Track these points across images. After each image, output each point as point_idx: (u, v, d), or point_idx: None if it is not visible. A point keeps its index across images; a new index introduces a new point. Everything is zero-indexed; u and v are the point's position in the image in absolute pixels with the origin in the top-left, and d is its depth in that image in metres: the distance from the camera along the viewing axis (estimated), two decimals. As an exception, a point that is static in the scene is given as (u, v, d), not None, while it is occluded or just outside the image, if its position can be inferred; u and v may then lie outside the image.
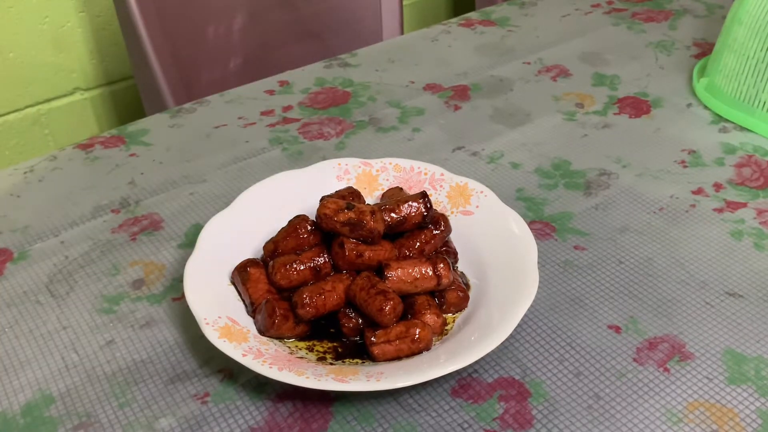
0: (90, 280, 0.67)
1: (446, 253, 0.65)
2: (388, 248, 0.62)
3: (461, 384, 0.57)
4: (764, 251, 0.69)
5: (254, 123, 0.89)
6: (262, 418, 0.55)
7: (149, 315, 0.63)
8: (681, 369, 0.58)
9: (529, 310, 0.58)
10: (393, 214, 0.63)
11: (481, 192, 0.69)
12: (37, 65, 1.29)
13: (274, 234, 0.63)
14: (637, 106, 0.91)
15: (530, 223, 0.71)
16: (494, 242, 0.65)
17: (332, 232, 0.61)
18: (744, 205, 0.75)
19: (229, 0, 1.23)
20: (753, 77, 0.85)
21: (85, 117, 1.38)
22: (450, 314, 0.61)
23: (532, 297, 0.58)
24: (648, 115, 0.89)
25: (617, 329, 0.61)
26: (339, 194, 0.66)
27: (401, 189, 0.69)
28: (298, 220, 0.63)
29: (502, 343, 0.55)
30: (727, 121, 0.88)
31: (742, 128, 0.86)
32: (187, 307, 0.57)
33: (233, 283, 0.62)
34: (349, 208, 0.60)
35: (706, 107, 0.90)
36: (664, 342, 0.60)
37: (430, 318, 0.58)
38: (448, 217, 0.66)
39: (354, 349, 0.59)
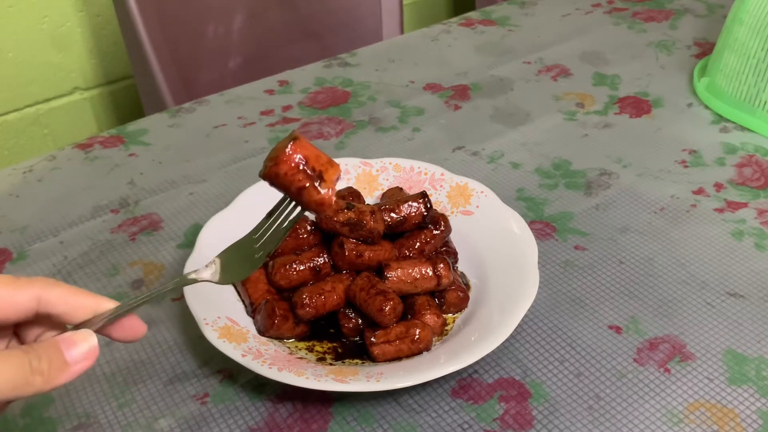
0: (89, 280, 0.67)
1: (446, 253, 0.65)
2: (388, 248, 0.62)
3: (461, 384, 0.57)
4: (765, 251, 0.69)
5: (254, 123, 0.89)
6: (261, 418, 0.55)
7: (149, 315, 0.63)
8: (682, 369, 0.58)
9: (529, 310, 0.58)
10: (393, 214, 0.63)
11: (482, 192, 0.69)
12: (37, 65, 1.28)
13: (273, 234, 0.63)
14: (637, 106, 0.91)
15: (530, 223, 0.71)
16: (494, 242, 0.65)
17: (332, 232, 0.61)
18: (745, 205, 0.74)
19: (229, 0, 1.23)
20: (754, 77, 0.85)
21: (85, 117, 1.38)
22: (450, 314, 0.61)
23: (533, 297, 0.58)
24: (648, 115, 0.89)
25: (618, 329, 0.61)
26: (339, 194, 0.66)
27: (401, 189, 0.69)
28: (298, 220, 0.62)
29: (502, 344, 0.55)
30: (727, 120, 0.88)
31: (743, 128, 0.86)
32: (187, 307, 0.57)
33: (233, 283, 0.62)
34: (349, 208, 0.60)
35: (706, 107, 0.90)
36: (665, 342, 0.60)
37: (430, 318, 0.58)
38: (448, 217, 0.66)
39: (354, 350, 0.58)
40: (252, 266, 0.49)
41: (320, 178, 0.47)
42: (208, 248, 0.63)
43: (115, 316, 0.43)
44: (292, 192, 0.48)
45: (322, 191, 0.47)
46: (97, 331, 0.42)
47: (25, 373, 0.38)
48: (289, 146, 0.47)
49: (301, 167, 0.47)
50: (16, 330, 0.44)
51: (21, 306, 0.41)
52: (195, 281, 0.48)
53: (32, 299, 0.41)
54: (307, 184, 0.47)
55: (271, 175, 0.47)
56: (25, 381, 0.37)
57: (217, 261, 0.49)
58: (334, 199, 0.48)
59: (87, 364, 0.40)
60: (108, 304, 0.43)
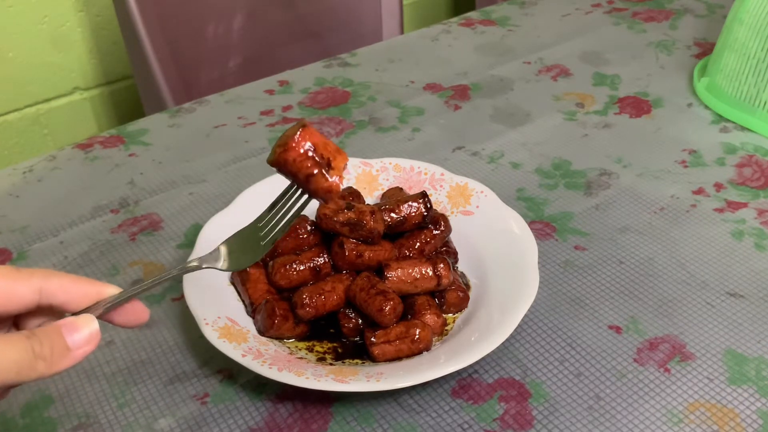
0: (89, 280, 0.67)
1: (446, 253, 0.65)
2: (388, 248, 0.62)
3: (461, 384, 0.57)
4: (765, 251, 0.69)
5: (254, 123, 0.89)
6: (261, 418, 0.55)
7: (149, 315, 0.63)
8: (681, 369, 0.58)
9: (529, 310, 0.58)
10: (393, 214, 0.63)
11: (481, 192, 0.69)
12: (37, 65, 1.28)
13: (273, 234, 0.63)
14: (637, 106, 0.91)
15: (530, 223, 0.71)
16: (494, 242, 0.65)
17: (332, 232, 0.61)
18: (745, 205, 0.74)
19: (229, 0, 1.23)
20: (754, 77, 0.85)
21: (85, 117, 1.38)
22: (450, 314, 0.61)
23: (533, 297, 0.58)
24: (648, 115, 0.89)
25: (618, 329, 0.61)
26: (339, 194, 0.66)
27: (401, 189, 0.69)
28: (298, 220, 0.62)
29: (502, 344, 0.55)
30: (727, 120, 0.88)
31: (743, 128, 0.86)
32: (187, 307, 0.57)
33: (233, 284, 0.62)
34: (349, 208, 0.60)
35: (706, 107, 0.90)
36: (665, 342, 0.60)
37: (430, 318, 0.58)
38: (448, 217, 0.66)
39: (354, 350, 0.58)
40: (258, 254, 0.49)
41: (328, 165, 0.48)
42: (208, 248, 0.63)
43: (117, 303, 0.43)
44: (300, 179, 0.48)
45: (330, 179, 0.48)
46: (99, 317, 0.42)
47: (29, 357, 0.38)
48: (298, 133, 0.47)
49: (309, 154, 0.47)
50: (16, 320, 0.44)
51: (23, 298, 0.41)
52: (199, 268, 0.48)
53: (34, 291, 0.41)
54: (315, 171, 0.48)
55: (280, 161, 0.48)
56: (28, 366, 0.38)
57: (222, 249, 0.49)
58: (342, 186, 0.48)
59: (89, 349, 0.40)
60: (110, 290, 0.43)
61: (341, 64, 1.02)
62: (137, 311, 0.44)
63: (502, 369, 0.58)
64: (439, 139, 0.86)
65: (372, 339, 0.57)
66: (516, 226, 0.65)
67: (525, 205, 0.75)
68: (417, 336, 0.56)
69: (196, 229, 0.72)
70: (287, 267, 0.60)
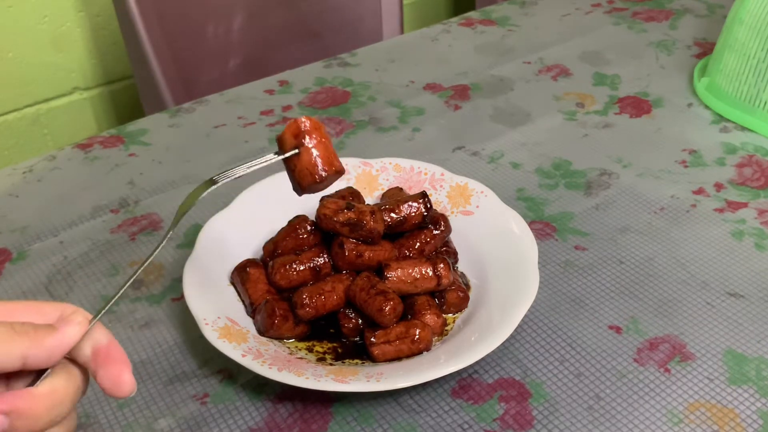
0: (89, 280, 0.67)
1: (446, 253, 0.65)
2: (388, 248, 0.61)
3: (461, 384, 0.57)
4: (765, 251, 0.69)
5: (254, 123, 0.89)
6: (261, 418, 0.55)
7: (148, 315, 0.63)
8: (682, 369, 0.58)
9: (529, 310, 0.58)
10: (393, 214, 0.63)
11: (482, 192, 0.69)
12: (36, 65, 1.28)
13: (273, 234, 0.63)
14: (637, 106, 0.91)
15: (530, 223, 0.71)
16: (494, 242, 0.65)
17: (332, 232, 0.61)
18: (745, 205, 0.74)
19: (229, 0, 1.23)
20: (754, 77, 0.85)
21: (84, 117, 1.38)
22: (450, 314, 0.61)
23: (533, 297, 0.58)
24: (649, 115, 0.89)
25: (618, 329, 0.61)
26: (339, 194, 0.66)
27: (401, 189, 0.69)
28: (298, 220, 0.62)
29: (502, 344, 0.55)
30: (727, 120, 0.88)
31: (743, 128, 0.86)
32: (187, 307, 0.57)
33: (233, 284, 0.62)
34: (349, 208, 0.60)
35: (706, 107, 0.90)
36: (665, 342, 0.60)
37: (430, 318, 0.58)
38: (448, 217, 0.66)
39: (354, 350, 0.58)
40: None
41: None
42: (208, 248, 0.63)
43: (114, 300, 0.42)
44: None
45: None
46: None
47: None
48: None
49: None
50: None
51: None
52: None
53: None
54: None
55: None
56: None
57: None
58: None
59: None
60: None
61: (341, 64, 1.02)
62: (122, 379, 0.42)
63: (502, 369, 0.58)
64: (439, 139, 0.86)
65: (372, 339, 0.57)
66: (516, 226, 0.65)
67: (525, 205, 0.75)
68: (417, 336, 0.56)
69: (196, 229, 0.72)
70: (287, 267, 0.60)
